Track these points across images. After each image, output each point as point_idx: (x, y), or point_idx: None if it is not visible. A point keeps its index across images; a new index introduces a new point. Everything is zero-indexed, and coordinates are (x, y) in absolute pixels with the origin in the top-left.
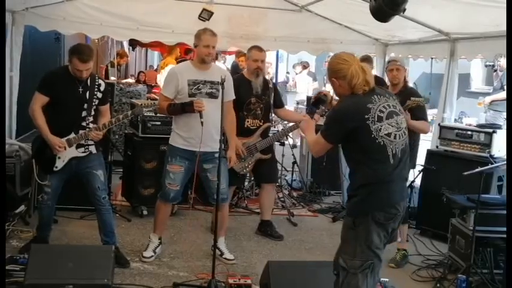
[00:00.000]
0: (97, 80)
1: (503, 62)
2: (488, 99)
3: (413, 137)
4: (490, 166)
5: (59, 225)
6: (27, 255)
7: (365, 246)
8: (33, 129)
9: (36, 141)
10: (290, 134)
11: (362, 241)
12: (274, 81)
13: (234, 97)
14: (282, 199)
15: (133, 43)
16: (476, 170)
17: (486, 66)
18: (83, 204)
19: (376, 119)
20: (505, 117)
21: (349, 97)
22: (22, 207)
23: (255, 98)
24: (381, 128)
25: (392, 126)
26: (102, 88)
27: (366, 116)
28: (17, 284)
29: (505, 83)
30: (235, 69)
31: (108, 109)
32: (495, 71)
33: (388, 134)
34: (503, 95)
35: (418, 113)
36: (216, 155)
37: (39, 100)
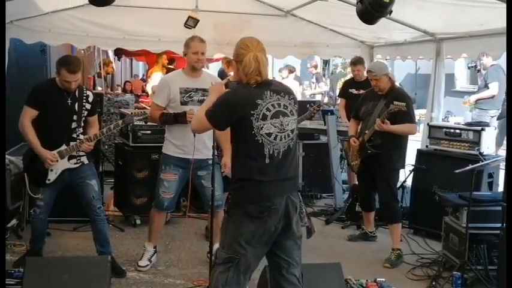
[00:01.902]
0: (85, 92)
1: (485, 60)
2: (473, 98)
3: (400, 138)
4: (481, 163)
5: (52, 238)
6: (22, 268)
7: (233, 239)
8: (21, 143)
9: (27, 154)
10: None
11: (231, 233)
12: None
13: None
14: None
15: (118, 53)
16: (468, 167)
17: (469, 68)
18: (76, 215)
19: (260, 117)
20: (491, 115)
21: (242, 87)
22: (14, 221)
23: None
24: (262, 127)
25: (275, 127)
26: (90, 99)
27: (252, 112)
28: None
29: (489, 81)
30: (221, 75)
31: (96, 120)
32: (478, 71)
33: (269, 134)
34: (487, 93)
35: (402, 116)
36: (210, 162)
37: (29, 114)
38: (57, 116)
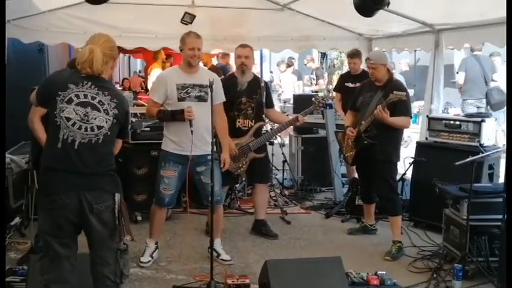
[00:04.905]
0: None
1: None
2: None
3: (396, 131)
4: (481, 155)
5: None
6: (26, 266)
7: (40, 229)
8: (22, 142)
9: (34, 151)
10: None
11: (38, 223)
12: None
13: (224, 99)
14: (275, 198)
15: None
16: (468, 159)
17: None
18: None
19: (66, 100)
20: (473, 104)
21: (64, 69)
22: (17, 219)
23: (245, 97)
24: (64, 110)
25: (76, 114)
26: None
27: (60, 92)
28: None
29: (457, 70)
30: (224, 70)
31: None
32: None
33: (68, 118)
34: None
35: (400, 107)
36: (209, 158)
37: (38, 111)
38: None
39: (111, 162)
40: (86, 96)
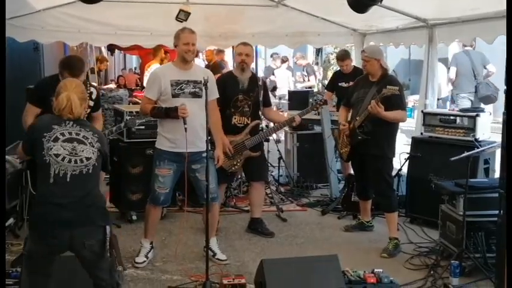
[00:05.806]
0: (88, 89)
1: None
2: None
3: (391, 126)
4: (476, 150)
5: None
6: (20, 268)
7: (28, 251)
8: (17, 141)
9: None
10: None
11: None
12: None
13: (217, 96)
14: (270, 195)
15: (112, 47)
16: (463, 154)
17: None
18: None
19: (52, 139)
20: (466, 97)
21: (45, 115)
22: (11, 220)
23: (242, 95)
24: (52, 147)
25: (64, 149)
26: (93, 96)
27: (45, 134)
28: None
29: (449, 65)
30: (221, 66)
31: (100, 115)
32: None
33: (57, 155)
34: (448, 78)
35: (394, 101)
36: (204, 155)
37: (31, 111)
38: None
39: (99, 194)
40: (70, 133)
